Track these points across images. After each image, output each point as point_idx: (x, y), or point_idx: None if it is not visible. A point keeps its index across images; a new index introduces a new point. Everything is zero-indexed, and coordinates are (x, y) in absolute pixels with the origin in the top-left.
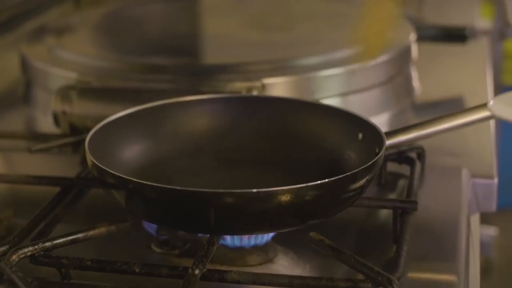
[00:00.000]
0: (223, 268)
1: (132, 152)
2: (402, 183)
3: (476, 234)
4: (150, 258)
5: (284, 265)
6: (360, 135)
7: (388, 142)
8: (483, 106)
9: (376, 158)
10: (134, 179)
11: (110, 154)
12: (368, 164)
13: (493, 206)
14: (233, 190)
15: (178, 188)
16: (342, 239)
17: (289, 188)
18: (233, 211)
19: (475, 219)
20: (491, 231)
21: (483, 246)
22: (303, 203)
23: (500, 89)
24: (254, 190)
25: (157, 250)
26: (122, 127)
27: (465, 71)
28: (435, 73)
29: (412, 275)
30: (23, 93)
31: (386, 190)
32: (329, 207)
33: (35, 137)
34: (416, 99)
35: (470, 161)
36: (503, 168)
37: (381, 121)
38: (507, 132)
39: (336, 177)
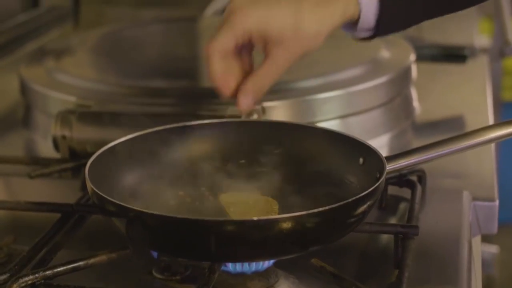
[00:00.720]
0: None
1: (132, 178)
2: (403, 206)
3: (478, 257)
4: (151, 285)
5: None
6: (361, 160)
7: (389, 167)
8: (484, 129)
9: (377, 183)
10: (134, 208)
11: (110, 180)
12: (369, 190)
13: (494, 228)
14: (234, 219)
15: (178, 217)
16: (343, 263)
17: (290, 216)
18: (234, 239)
19: (477, 241)
20: (493, 249)
21: (485, 264)
22: (304, 230)
23: (499, 105)
24: (255, 219)
25: (158, 276)
26: (122, 153)
27: (465, 90)
28: (435, 92)
29: None
30: (22, 116)
31: (387, 213)
32: (331, 234)
33: (35, 162)
34: (416, 119)
35: (471, 183)
36: (502, 184)
37: (381, 143)
38: (506, 147)
39: (337, 204)
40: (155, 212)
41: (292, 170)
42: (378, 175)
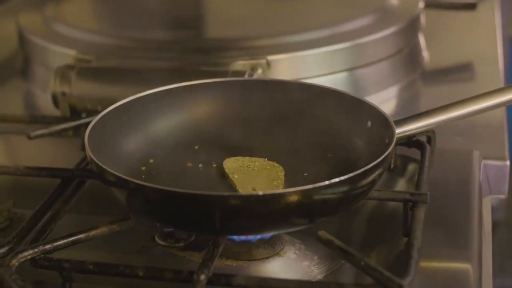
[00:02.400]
0: (229, 262)
1: (133, 142)
2: (412, 167)
3: (488, 218)
4: (154, 252)
5: (291, 257)
6: (369, 123)
7: (398, 132)
8: (496, 91)
9: (387, 152)
10: (135, 181)
11: (111, 146)
12: (380, 159)
13: (505, 189)
14: (238, 194)
15: (180, 191)
16: (350, 230)
17: (296, 190)
18: (238, 214)
19: (487, 201)
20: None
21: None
22: (311, 203)
23: (509, 41)
24: (260, 193)
25: (162, 242)
26: (122, 117)
27: (475, 37)
28: (444, 40)
29: (424, 264)
30: (21, 67)
31: (395, 175)
32: (339, 205)
33: (35, 120)
34: (425, 67)
35: (481, 143)
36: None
37: (390, 95)
38: None
39: (346, 176)
40: (156, 186)
41: (299, 132)
42: (387, 141)
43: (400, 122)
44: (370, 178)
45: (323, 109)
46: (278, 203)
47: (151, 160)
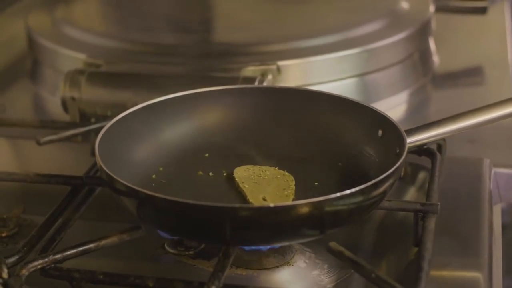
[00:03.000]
0: (239, 271)
1: (143, 150)
2: (422, 176)
3: (498, 226)
4: (164, 260)
5: (301, 266)
6: (380, 132)
7: (410, 141)
8: (509, 100)
9: (398, 163)
10: (146, 191)
11: (121, 154)
12: (390, 171)
13: None
14: (250, 205)
15: (191, 202)
16: (360, 238)
17: (307, 202)
18: (249, 225)
19: (497, 209)
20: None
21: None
22: (322, 215)
23: None
24: (271, 205)
25: (171, 250)
26: (132, 124)
27: (485, 41)
28: (454, 44)
29: (434, 273)
30: (30, 69)
31: (405, 183)
32: (349, 216)
33: (44, 125)
34: (435, 71)
35: (491, 150)
36: None
37: (400, 100)
38: None
39: (357, 188)
40: (167, 197)
41: (309, 141)
42: (398, 151)
43: (411, 131)
44: (381, 189)
45: (333, 117)
46: (289, 215)
47: (161, 168)
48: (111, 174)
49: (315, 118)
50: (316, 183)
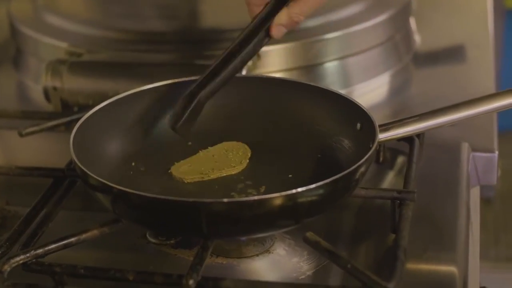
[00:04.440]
0: (219, 260)
1: (121, 141)
2: (400, 160)
3: (476, 207)
4: (146, 250)
5: (281, 254)
6: (359, 125)
7: (386, 135)
8: (487, 97)
9: (366, 156)
10: (118, 187)
11: (97, 147)
12: (359, 163)
13: (493, 179)
14: (223, 200)
15: (163, 197)
16: (338, 226)
17: (280, 195)
18: (225, 219)
19: (475, 191)
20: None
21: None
22: (296, 206)
23: (503, 12)
24: (246, 199)
25: (153, 240)
26: (110, 116)
27: (466, 18)
28: (435, 22)
29: (410, 265)
30: (13, 57)
31: (384, 168)
32: (324, 205)
33: (26, 116)
34: (417, 51)
35: (469, 134)
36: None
37: (382, 81)
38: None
39: (329, 180)
40: (140, 193)
41: (287, 131)
42: (371, 145)
43: (388, 126)
44: (353, 178)
45: (313, 108)
46: (264, 207)
47: (140, 157)
48: (84, 169)
49: (294, 109)
50: (290, 175)
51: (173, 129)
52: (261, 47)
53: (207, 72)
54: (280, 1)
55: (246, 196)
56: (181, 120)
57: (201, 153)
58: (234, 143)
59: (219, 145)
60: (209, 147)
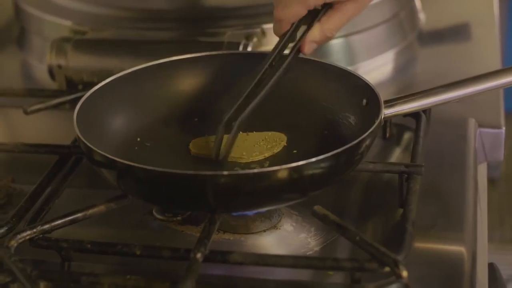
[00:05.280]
0: (226, 236)
1: (126, 117)
2: (407, 136)
3: (484, 184)
4: (152, 226)
5: (288, 230)
6: (365, 101)
7: (391, 110)
8: (492, 73)
9: (372, 129)
10: (123, 161)
11: (102, 123)
12: (362, 136)
13: (500, 155)
14: (230, 172)
15: (170, 171)
16: (346, 200)
17: (286, 167)
18: (231, 192)
19: (483, 168)
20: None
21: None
22: (302, 178)
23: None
24: (251, 171)
25: (159, 217)
26: (114, 92)
27: None
28: (440, 0)
29: (419, 239)
30: (17, 36)
31: (391, 144)
32: (329, 178)
33: (31, 93)
34: (421, 29)
35: (476, 110)
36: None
37: (387, 59)
38: None
39: (331, 153)
40: (145, 166)
41: (293, 107)
42: (375, 120)
43: (393, 102)
44: (358, 151)
45: (320, 84)
46: (270, 179)
47: (145, 133)
48: (88, 144)
49: (300, 85)
50: (295, 151)
51: (217, 160)
52: (293, 63)
53: (243, 96)
54: (313, 17)
55: None
56: (227, 149)
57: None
58: (279, 134)
59: (261, 133)
60: (254, 132)
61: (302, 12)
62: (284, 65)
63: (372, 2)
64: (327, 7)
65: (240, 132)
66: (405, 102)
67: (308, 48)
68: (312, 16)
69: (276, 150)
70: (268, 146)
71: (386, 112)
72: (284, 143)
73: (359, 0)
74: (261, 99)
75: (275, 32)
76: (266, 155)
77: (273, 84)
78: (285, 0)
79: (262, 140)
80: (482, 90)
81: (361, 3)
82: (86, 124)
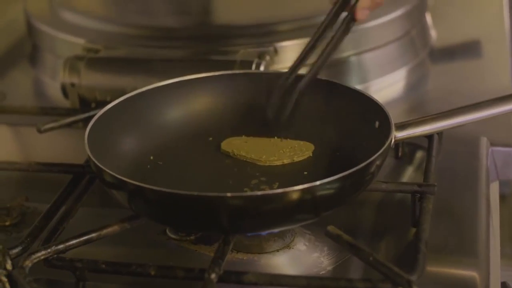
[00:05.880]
0: (240, 256)
1: (135, 137)
2: (419, 155)
3: (496, 202)
4: (166, 246)
5: (301, 249)
6: (377, 123)
7: (403, 134)
8: (506, 97)
9: (381, 150)
10: (134, 182)
11: (113, 143)
12: (372, 158)
13: None
14: (242, 194)
15: (182, 192)
16: (359, 219)
17: (298, 188)
18: (240, 213)
19: (495, 186)
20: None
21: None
22: (311, 200)
23: None
24: (260, 193)
25: (173, 236)
26: (125, 112)
27: (482, 13)
28: (451, 17)
29: (431, 268)
30: (30, 54)
31: (403, 163)
32: (341, 198)
33: (45, 112)
34: (433, 46)
35: (488, 129)
36: None
37: (398, 77)
38: None
39: (341, 175)
40: (155, 187)
41: (305, 128)
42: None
43: (406, 124)
44: (369, 171)
45: (333, 106)
46: (282, 201)
47: (158, 151)
48: (98, 164)
49: (313, 106)
50: (305, 173)
51: (273, 120)
52: (348, 32)
53: (298, 61)
54: None
55: None
56: (284, 111)
57: (270, 140)
58: (308, 144)
59: (293, 141)
60: (288, 139)
61: None
62: (336, 36)
63: (383, 20)
64: None
65: (275, 137)
66: (417, 125)
67: (361, 15)
68: None
69: (297, 158)
70: (291, 154)
71: (398, 135)
72: (309, 153)
73: None
74: (318, 66)
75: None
76: (285, 161)
77: (329, 51)
78: None
79: (290, 147)
80: (495, 114)
81: None
82: (98, 143)
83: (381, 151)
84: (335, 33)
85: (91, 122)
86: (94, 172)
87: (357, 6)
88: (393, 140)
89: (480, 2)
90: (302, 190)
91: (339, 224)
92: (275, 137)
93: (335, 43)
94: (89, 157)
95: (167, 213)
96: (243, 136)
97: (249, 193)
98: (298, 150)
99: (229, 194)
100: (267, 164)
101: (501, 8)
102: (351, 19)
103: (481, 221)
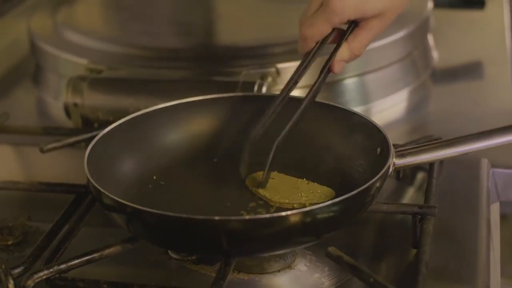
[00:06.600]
0: (241, 276)
1: (136, 159)
2: (420, 176)
3: (496, 223)
4: (167, 266)
5: (302, 270)
6: (379, 150)
7: (404, 161)
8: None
9: (379, 175)
10: (132, 205)
11: (114, 164)
12: (371, 182)
13: None
14: (242, 217)
15: (180, 216)
16: (360, 240)
17: (298, 212)
18: (243, 237)
19: (495, 208)
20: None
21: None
22: (315, 222)
23: None
24: (264, 216)
25: (174, 256)
26: (125, 133)
27: (484, 36)
28: (452, 38)
29: (431, 283)
30: (33, 73)
31: (404, 184)
32: (341, 221)
33: (47, 132)
34: (435, 67)
35: (489, 150)
36: None
37: (401, 98)
38: None
39: (340, 198)
40: (153, 210)
41: (306, 152)
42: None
43: (405, 154)
44: (368, 194)
45: (335, 130)
46: (282, 224)
47: (160, 172)
48: (97, 186)
49: (315, 130)
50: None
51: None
52: (323, 82)
53: (268, 113)
54: (341, 37)
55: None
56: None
57: (298, 180)
58: (329, 190)
59: (316, 185)
60: (311, 182)
61: (327, 30)
62: (315, 87)
63: (385, 42)
64: (353, 26)
65: (304, 179)
66: (417, 153)
67: (338, 67)
68: (339, 36)
69: (309, 204)
70: (307, 198)
71: (397, 162)
72: (327, 199)
73: (383, 16)
74: (294, 122)
75: (301, 50)
76: (295, 205)
77: (304, 107)
78: (311, 18)
79: (311, 192)
80: (497, 145)
81: (386, 19)
82: (98, 163)
83: (378, 176)
84: (313, 84)
85: (91, 144)
86: (92, 193)
87: (334, 58)
88: (391, 168)
89: (482, 24)
90: (294, 215)
91: (340, 245)
92: (304, 179)
93: (313, 94)
94: (88, 179)
95: (165, 236)
96: (275, 172)
97: (236, 217)
98: (316, 196)
99: (216, 218)
100: (277, 205)
101: (502, 29)
102: (328, 72)
103: (482, 243)
